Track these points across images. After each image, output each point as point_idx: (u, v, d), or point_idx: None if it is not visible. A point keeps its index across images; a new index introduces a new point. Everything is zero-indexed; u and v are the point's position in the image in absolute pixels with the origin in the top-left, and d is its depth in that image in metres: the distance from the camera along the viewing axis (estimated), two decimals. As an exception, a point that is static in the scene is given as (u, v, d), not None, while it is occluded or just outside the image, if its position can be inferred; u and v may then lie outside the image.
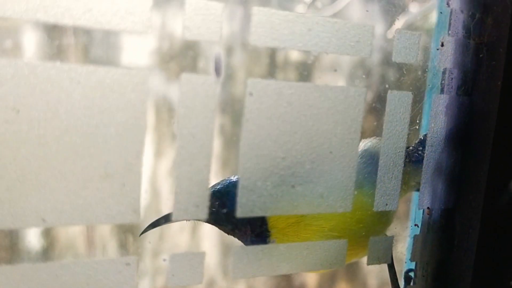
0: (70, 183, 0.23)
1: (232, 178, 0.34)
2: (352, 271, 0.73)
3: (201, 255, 0.27)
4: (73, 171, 0.23)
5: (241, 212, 0.27)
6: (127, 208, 0.24)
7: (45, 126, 0.22)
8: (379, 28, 0.33)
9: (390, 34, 0.39)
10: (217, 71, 0.28)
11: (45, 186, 0.23)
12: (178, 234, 0.68)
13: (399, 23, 0.36)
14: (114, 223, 0.25)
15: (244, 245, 0.33)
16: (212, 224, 0.34)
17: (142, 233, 0.36)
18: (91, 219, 0.24)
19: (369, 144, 0.36)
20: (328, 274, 0.74)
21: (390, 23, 0.35)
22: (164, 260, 0.27)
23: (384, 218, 0.35)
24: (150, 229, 0.35)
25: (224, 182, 0.36)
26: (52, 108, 0.22)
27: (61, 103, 0.22)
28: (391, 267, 0.36)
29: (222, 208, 0.33)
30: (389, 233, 0.35)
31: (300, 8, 0.50)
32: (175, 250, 0.27)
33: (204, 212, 0.26)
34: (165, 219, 0.35)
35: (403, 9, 0.36)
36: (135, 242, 0.61)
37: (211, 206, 0.34)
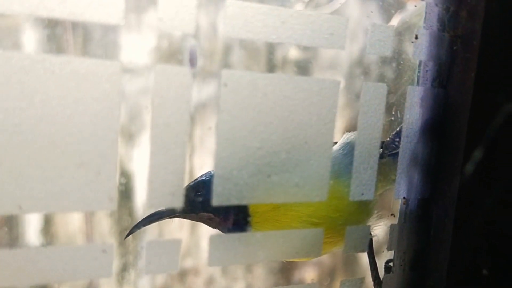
0: (46, 171, 0.24)
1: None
2: (351, 267, 0.73)
3: (178, 243, 0.28)
4: (48, 159, 0.24)
5: (217, 200, 0.28)
6: (103, 196, 0.25)
7: (21, 115, 0.23)
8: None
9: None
10: (192, 62, 0.29)
11: (22, 174, 0.23)
12: (177, 232, 0.69)
13: (395, 20, 0.36)
14: (90, 210, 0.25)
15: (223, 233, 0.34)
16: (189, 215, 0.35)
17: (127, 236, 0.37)
18: (67, 207, 0.24)
19: (352, 137, 0.37)
20: (327, 269, 0.74)
21: (387, 21, 0.36)
22: (142, 247, 0.27)
23: (364, 208, 0.36)
24: (135, 230, 0.36)
25: (205, 174, 0.37)
26: (27, 98, 0.23)
27: (36, 93, 0.23)
28: (370, 256, 0.37)
29: (201, 197, 0.33)
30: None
31: (298, 7, 0.50)
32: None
33: (180, 200, 0.27)
34: (149, 219, 0.36)
35: (400, 7, 0.37)
36: (134, 240, 0.62)
37: (192, 197, 0.35)
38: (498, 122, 0.32)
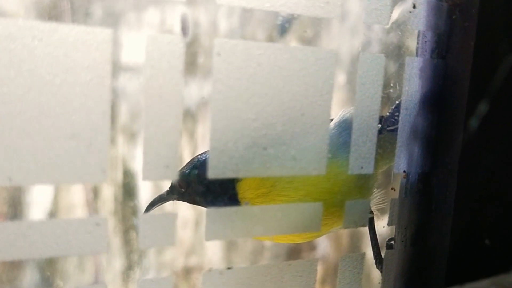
0: (36, 143, 0.23)
1: None
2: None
3: (173, 216, 0.27)
4: (38, 130, 0.23)
5: (212, 173, 0.27)
6: (94, 168, 0.24)
7: (8, 84, 0.22)
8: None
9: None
10: (184, 30, 0.28)
11: (11, 145, 0.23)
12: (181, 230, 0.68)
13: (395, 12, 0.36)
14: (82, 183, 0.25)
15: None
16: (187, 199, 0.35)
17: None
18: (58, 179, 0.24)
19: (348, 114, 0.36)
20: (333, 265, 0.74)
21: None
22: (135, 223, 0.27)
23: (361, 187, 0.35)
24: (150, 208, 0.36)
25: (199, 155, 0.36)
26: (15, 66, 0.22)
27: (24, 61, 0.22)
28: (371, 232, 0.36)
29: (192, 185, 0.33)
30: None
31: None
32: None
33: (174, 173, 0.26)
34: (151, 205, 0.36)
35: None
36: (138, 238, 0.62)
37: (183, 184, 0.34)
38: (497, 91, 0.31)
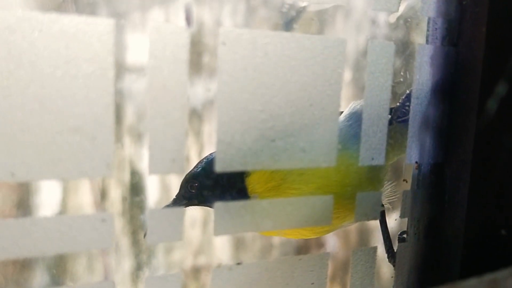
0: (38, 137, 0.23)
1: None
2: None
3: (181, 211, 0.26)
4: (40, 124, 0.23)
5: (220, 166, 0.27)
6: (99, 162, 0.24)
7: (8, 78, 0.22)
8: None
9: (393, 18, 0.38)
10: (188, 20, 0.27)
11: (13, 140, 0.22)
12: (189, 229, 0.68)
13: (401, 6, 0.35)
14: (86, 178, 0.24)
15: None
16: (197, 200, 0.34)
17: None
18: (62, 174, 0.23)
19: (358, 107, 0.36)
20: (341, 262, 0.73)
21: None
22: (144, 217, 0.26)
23: (372, 179, 0.34)
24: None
25: (206, 157, 0.36)
26: (14, 59, 0.22)
27: (24, 53, 0.22)
28: (383, 226, 0.35)
29: (199, 189, 0.33)
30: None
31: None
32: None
33: (180, 167, 0.26)
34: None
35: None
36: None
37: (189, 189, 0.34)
38: (511, 78, 0.30)
